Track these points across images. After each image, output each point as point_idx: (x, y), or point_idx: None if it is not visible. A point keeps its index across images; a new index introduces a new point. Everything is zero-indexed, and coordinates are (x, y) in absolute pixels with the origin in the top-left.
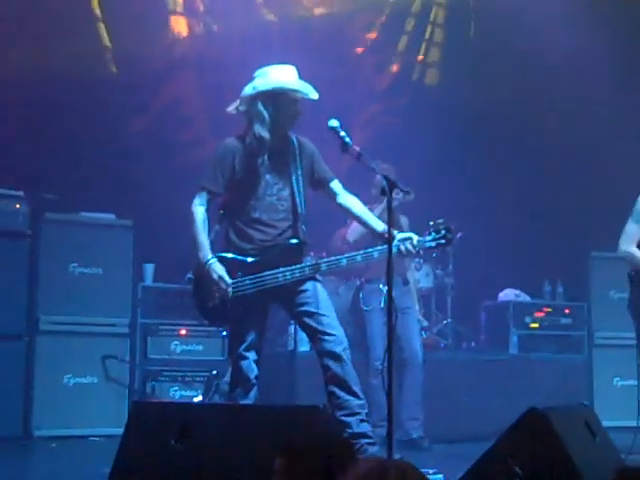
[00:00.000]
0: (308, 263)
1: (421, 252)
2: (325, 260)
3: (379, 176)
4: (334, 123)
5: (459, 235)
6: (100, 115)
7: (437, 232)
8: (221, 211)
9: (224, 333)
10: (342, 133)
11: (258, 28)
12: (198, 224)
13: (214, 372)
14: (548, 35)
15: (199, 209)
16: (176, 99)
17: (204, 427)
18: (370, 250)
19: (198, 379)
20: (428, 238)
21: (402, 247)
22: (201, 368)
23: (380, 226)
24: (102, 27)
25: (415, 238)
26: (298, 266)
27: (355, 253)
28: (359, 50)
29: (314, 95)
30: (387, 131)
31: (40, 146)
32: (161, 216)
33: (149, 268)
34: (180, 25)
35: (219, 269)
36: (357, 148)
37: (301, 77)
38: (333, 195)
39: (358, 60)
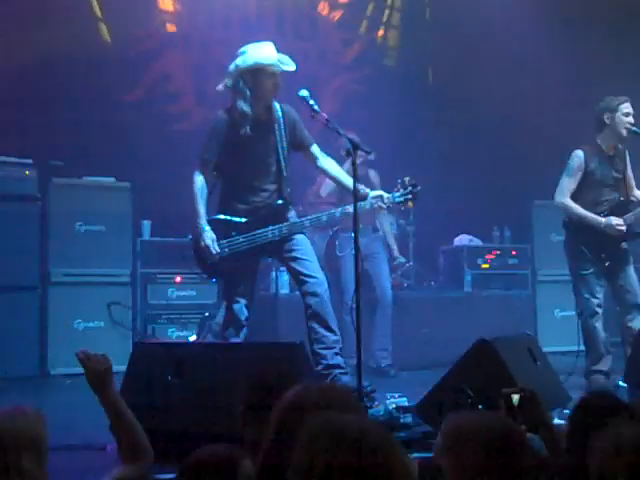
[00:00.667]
0: (293, 221)
1: (391, 206)
2: (308, 218)
3: (344, 139)
4: (304, 93)
5: (419, 188)
6: (98, 88)
7: (404, 188)
8: (214, 173)
9: (214, 280)
10: (311, 102)
11: (237, 8)
12: (196, 192)
13: (206, 314)
14: (499, 21)
15: (198, 178)
16: (165, 75)
17: (197, 363)
18: (346, 207)
19: (192, 321)
20: (397, 194)
21: (375, 204)
22: (195, 311)
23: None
24: (95, 3)
25: (385, 195)
26: (285, 224)
27: (334, 210)
28: (327, 25)
29: (291, 67)
30: (354, 98)
31: (45, 117)
32: (156, 178)
33: (146, 225)
34: (166, 4)
35: (208, 237)
36: (325, 115)
37: (279, 51)
38: (313, 158)
39: (327, 35)
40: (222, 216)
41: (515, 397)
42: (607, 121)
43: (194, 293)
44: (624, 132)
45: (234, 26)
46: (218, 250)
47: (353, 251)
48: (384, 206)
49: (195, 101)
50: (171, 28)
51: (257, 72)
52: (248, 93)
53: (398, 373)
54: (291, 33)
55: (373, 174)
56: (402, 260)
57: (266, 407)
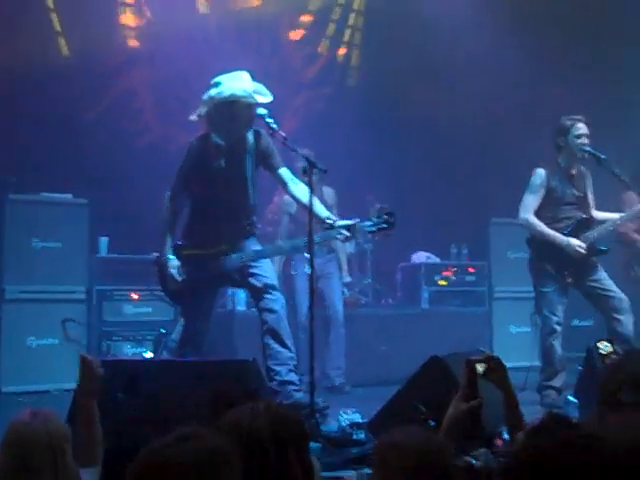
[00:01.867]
0: (256, 249)
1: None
2: (270, 248)
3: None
4: (262, 111)
5: (378, 207)
6: (57, 103)
7: (378, 217)
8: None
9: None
10: (269, 120)
11: (198, 25)
12: (166, 219)
13: (162, 331)
14: (459, 38)
15: (170, 205)
16: (127, 91)
17: (149, 380)
18: (306, 240)
19: (148, 338)
20: (368, 224)
21: (340, 237)
22: (151, 328)
23: (323, 213)
24: (55, 18)
25: (355, 225)
26: (248, 253)
27: (297, 241)
28: (289, 43)
29: (267, 98)
30: (314, 117)
31: (2, 133)
32: (114, 195)
33: (103, 241)
34: (129, 20)
35: (172, 266)
36: (282, 134)
37: (254, 79)
38: (283, 183)
39: (287, 55)
40: (186, 243)
41: (480, 367)
42: (562, 144)
43: (150, 310)
44: (579, 154)
45: (196, 43)
46: (181, 278)
47: (307, 270)
48: (349, 237)
49: (156, 117)
50: (133, 43)
51: (233, 104)
52: (222, 124)
53: (353, 390)
54: (252, 51)
55: (328, 192)
56: (347, 280)
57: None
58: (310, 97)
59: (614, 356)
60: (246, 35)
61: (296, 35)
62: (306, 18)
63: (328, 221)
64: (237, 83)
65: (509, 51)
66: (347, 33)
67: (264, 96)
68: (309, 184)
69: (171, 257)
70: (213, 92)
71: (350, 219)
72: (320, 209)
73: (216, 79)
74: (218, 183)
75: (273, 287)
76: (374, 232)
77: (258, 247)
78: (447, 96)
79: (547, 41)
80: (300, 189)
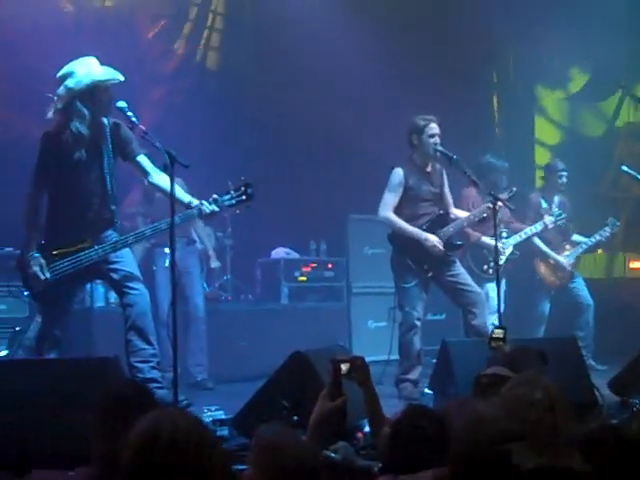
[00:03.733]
0: (117, 239)
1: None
2: (132, 234)
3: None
4: (122, 104)
5: (251, 190)
6: None
7: (236, 190)
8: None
9: (26, 293)
10: (129, 113)
11: (54, 15)
12: (28, 217)
13: (17, 328)
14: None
15: (31, 202)
16: None
17: (5, 381)
18: (168, 220)
19: (2, 336)
20: (226, 197)
21: (203, 208)
22: (5, 325)
23: (186, 198)
24: None
25: (217, 199)
26: (109, 243)
27: (157, 223)
28: (149, 35)
29: (121, 77)
30: (173, 109)
31: None
32: None
33: None
34: None
35: (36, 264)
36: (143, 127)
37: (101, 63)
38: (144, 172)
39: (147, 45)
40: (49, 240)
41: (344, 366)
42: (415, 142)
43: (4, 307)
44: (432, 153)
45: (48, 33)
46: (47, 276)
47: (166, 264)
48: (213, 210)
49: (4, 108)
50: None
51: (94, 90)
52: (86, 113)
53: (216, 386)
54: (110, 42)
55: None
56: (217, 264)
57: (121, 420)
58: (169, 90)
59: (500, 342)
60: (103, 29)
61: (156, 26)
62: (164, 11)
63: (192, 204)
64: (93, 67)
65: (372, 52)
66: (209, 17)
67: (119, 76)
68: (170, 177)
69: (36, 254)
70: (70, 83)
71: None
72: (183, 195)
73: (66, 69)
74: (79, 174)
75: (136, 280)
76: (233, 205)
77: (118, 237)
78: (305, 91)
79: (405, 44)
80: (161, 178)
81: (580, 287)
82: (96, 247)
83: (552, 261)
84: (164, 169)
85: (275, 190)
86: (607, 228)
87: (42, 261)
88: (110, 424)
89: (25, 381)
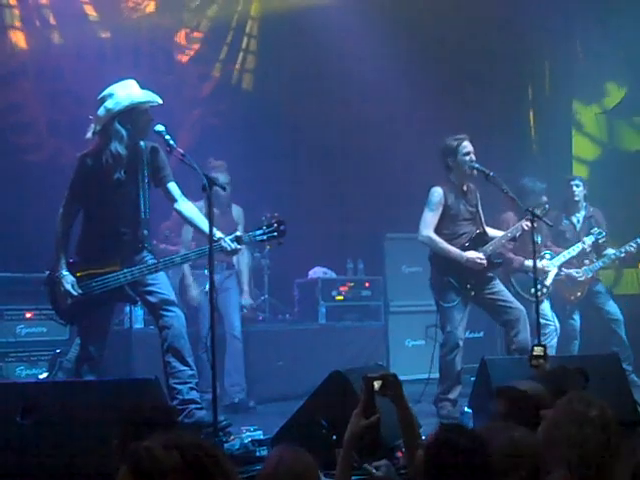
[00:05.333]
0: (148, 264)
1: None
2: (162, 260)
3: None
4: (160, 128)
5: (268, 215)
6: None
7: (268, 226)
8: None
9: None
10: (167, 137)
11: (92, 41)
12: (58, 236)
13: (57, 351)
14: (351, 50)
15: (62, 221)
16: (14, 105)
17: (47, 403)
18: (197, 250)
19: (43, 358)
20: (258, 232)
21: (224, 245)
22: (45, 348)
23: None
24: None
25: (241, 237)
26: (137, 267)
27: (187, 252)
28: (184, 60)
29: (159, 100)
30: (210, 132)
31: None
32: (4, 212)
33: None
34: (18, 38)
35: (68, 282)
36: (181, 150)
37: (141, 87)
38: (171, 198)
39: (183, 69)
40: (80, 259)
41: (377, 383)
42: (451, 164)
43: (44, 330)
44: (468, 171)
45: (89, 58)
46: (79, 292)
47: (206, 288)
48: (235, 248)
49: (47, 132)
50: (21, 57)
51: (132, 111)
52: (124, 134)
53: (255, 406)
54: (147, 66)
55: (237, 210)
56: (247, 302)
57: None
58: (205, 113)
59: (541, 360)
60: (140, 52)
61: (192, 50)
62: (199, 35)
63: (214, 237)
64: (132, 90)
65: (404, 71)
66: (244, 40)
67: (157, 99)
68: (208, 201)
69: (65, 273)
70: (110, 104)
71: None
72: (205, 225)
73: (106, 91)
74: (115, 196)
75: (171, 303)
76: (264, 240)
77: (152, 261)
78: (341, 112)
79: (439, 62)
80: (188, 207)
81: (604, 301)
82: (125, 270)
83: (563, 275)
84: (202, 191)
85: (312, 210)
86: (638, 239)
87: (72, 279)
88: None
89: (65, 403)
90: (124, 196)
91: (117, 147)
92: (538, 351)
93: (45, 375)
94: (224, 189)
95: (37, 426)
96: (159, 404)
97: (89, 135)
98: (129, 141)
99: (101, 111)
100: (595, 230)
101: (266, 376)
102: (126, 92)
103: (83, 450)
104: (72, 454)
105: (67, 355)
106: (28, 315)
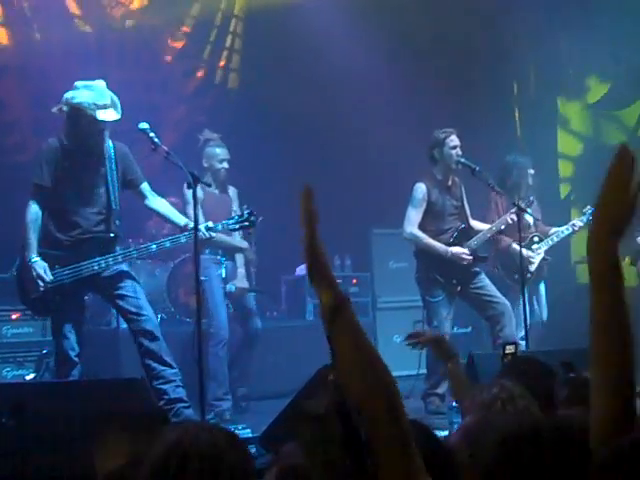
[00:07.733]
0: (120, 252)
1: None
2: (135, 248)
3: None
4: (144, 125)
5: (260, 219)
6: None
7: (240, 216)
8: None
9: (40, 317)
10: (151, 134)
11: (76, 38)
12: (27, 222)
13: (44, 351)
14: (337, 48)
15: (31, 207)
16: None
17: (34, 403)
18: (177, 236)
19: (29, 359)
20: (231, 222)
21: (201, 233)
22: (32, 349)
23: (182, 220)
24: None
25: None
26: (111, 255)
27: (163, 239)
28: (168, 58)
29: (114, 116)
30: (196, 130)
31: None
32: None
33: None
34: (1, 36)
35: (39, 266)
36: (165, 148)
37: (110, 89)
38: (142, 197)
39: (168, 67)
40: (45, 248)
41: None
42: (437, 156)
43: (31, 330)
44: (454, 165)
45: (73, 55)
46: (51, 278)
47: (222, 275)
48: (210, 235)
49: (32, 132)
50: (4, 54)
51: (79, 111)
52: (73, 129)
53: (249, 404)
54: (132, 63)
55: (232, 191)
56: (232, 288)
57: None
58: (190, 110)
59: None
60: (125, 49)
61: (175, 48)
62: (186, 29)
63: (188, 227)
64: (87, 93)
65: (389, 68)
66: (228, 39)
67: (115, 111)
68: (193, 198)
69: (36, 258)
70: (69, 94)
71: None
72: (177, 217)
73: (79, 82)
74: (73, 180)
75: (143, 306)
76: (236, 229)
77: (122, 250)
78: (327, 106)
79: (425, 60)
80: (159, 203)
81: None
82: (98, 258)
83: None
84: (187, 188)
85: (298, 206)
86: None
87: (44, 264)
88: (120, 442)
89: (52, 403)
90: (89, 184)
91: (70, 138)
92: (509, 349)
93: (32, 376)
94: (209, 185)
95: (23, 427)
96: (146, 404)
97: (55, 110)
98: (74, 137)
99: (67, 95)
100: (587, 209)
101: (255, 374)
102: (83, 92)
103: (70, 451)
104: (58, 455)
105: (53, 355)
106: (14, 316)
